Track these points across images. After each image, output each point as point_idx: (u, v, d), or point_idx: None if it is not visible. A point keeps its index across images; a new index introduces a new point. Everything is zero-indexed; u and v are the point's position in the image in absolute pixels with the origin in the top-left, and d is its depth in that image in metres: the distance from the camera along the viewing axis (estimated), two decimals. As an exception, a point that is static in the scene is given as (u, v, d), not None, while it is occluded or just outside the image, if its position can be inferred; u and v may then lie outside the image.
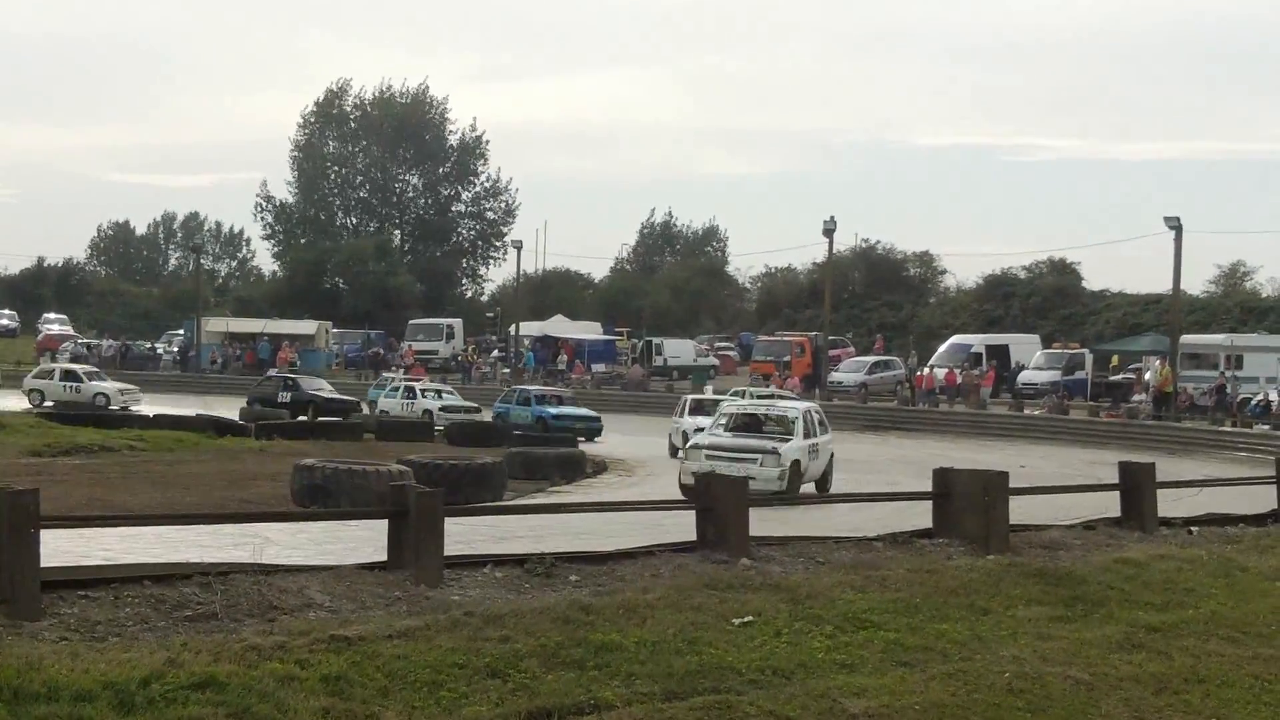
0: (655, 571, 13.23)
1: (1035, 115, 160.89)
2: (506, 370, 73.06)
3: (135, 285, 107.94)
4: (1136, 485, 17.63)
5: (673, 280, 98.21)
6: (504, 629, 11.06)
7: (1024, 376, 63.32)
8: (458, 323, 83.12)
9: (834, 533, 16.08)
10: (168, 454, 33.47)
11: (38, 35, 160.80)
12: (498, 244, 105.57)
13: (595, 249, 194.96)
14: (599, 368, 72.96)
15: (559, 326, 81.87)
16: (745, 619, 11.93)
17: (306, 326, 77.74)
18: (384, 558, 12.69)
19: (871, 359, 70.82)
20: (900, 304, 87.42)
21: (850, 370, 68.12)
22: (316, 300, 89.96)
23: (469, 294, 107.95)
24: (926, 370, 65.05)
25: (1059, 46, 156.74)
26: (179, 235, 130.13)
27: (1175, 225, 54.29)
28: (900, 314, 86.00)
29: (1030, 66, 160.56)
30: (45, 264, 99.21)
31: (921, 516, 16.74)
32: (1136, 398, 57.14)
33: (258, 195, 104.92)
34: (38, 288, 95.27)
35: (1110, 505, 18.34)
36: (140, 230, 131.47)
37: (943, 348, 68.89)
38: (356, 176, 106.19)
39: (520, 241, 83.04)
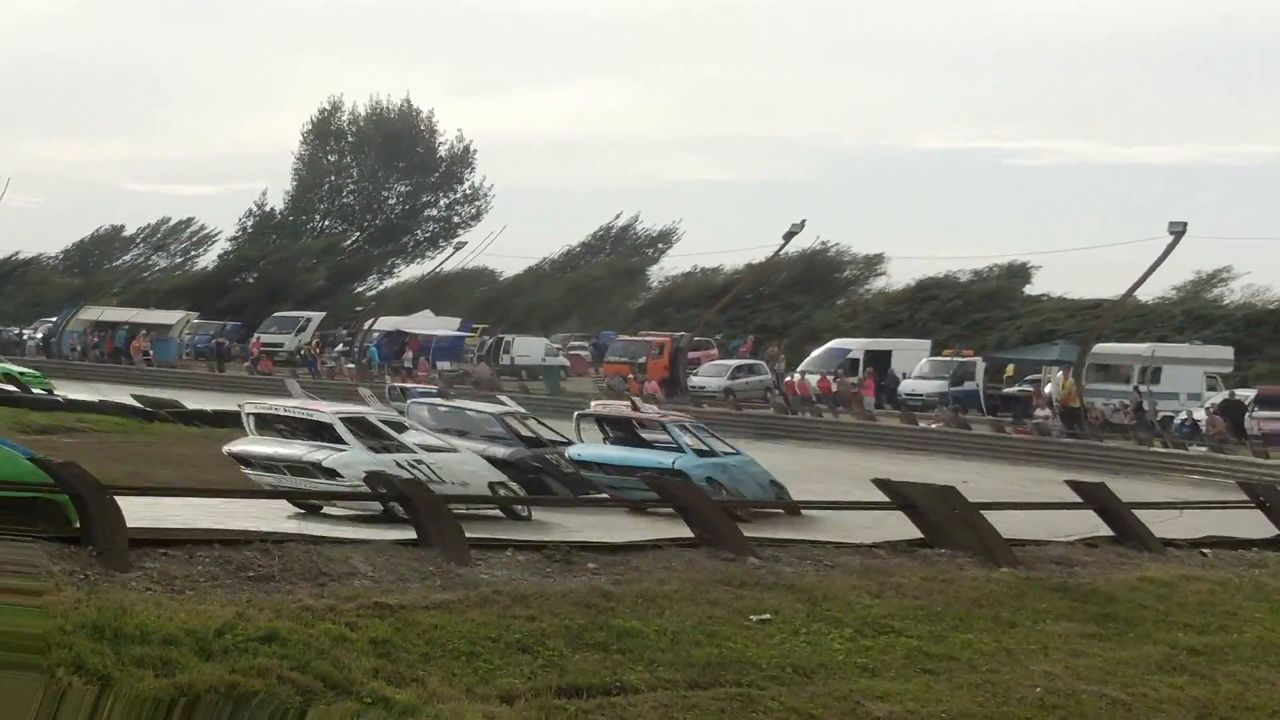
0: (667, 564, 13.42)
1: (1030, 121, 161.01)
2: (351, 365, 71.20)
3: (79, 279, 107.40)
4: (1111, 506, 17.48)
5: (578, 279, 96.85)
6: (530, 609, 11.37)
7: (905, 386, 56.00)
8: (317, 316, 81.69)
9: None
10: (139, 436, 32.76)
11: (68, 58, 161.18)
12: (443, 244, 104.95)
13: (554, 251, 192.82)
14: (444, 365, 67.22)
15: (420, 322, 78.70)
16: (763, 616, 12.10)
17: (168, 317, 77.37)
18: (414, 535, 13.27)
19: (735, 362, 63.47)
20: (799, 305, 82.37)
21: (711, 374, 61.09)
22: (207, 293, 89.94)
23: (373, 291, 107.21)
24: (797, 376, 57.89)
25: (1051, 54, 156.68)
26: (159, 236, 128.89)
27: (1178, 230, 47.74)
28: (795, 314, 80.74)
29: (1022, 74, 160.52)
30: (17, 257, 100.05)
31: (897, 527, 16.72)
32: (1040, 413, 50.13)
33: (254, 203, 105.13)
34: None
35: (1081, 524, 18.13)
36: (129, 233, 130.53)
37: (816, 352, 61.86)
38: (348, 186, 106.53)
39: (465, 241, 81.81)
